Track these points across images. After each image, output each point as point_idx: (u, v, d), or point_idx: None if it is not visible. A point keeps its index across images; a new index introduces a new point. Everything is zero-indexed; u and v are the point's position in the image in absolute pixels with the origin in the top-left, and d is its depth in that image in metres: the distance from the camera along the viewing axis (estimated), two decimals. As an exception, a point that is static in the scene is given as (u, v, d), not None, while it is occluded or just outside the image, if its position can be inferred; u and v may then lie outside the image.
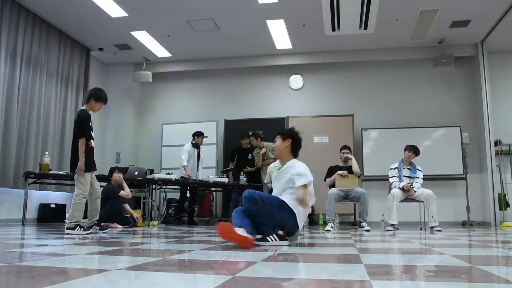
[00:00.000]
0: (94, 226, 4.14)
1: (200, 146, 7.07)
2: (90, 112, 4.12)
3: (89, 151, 3.98)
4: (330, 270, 1.85)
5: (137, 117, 9.10)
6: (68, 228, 3.89)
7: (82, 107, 4.17)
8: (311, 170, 3.19)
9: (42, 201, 6.73)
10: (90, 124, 4.05)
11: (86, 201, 4.06)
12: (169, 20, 6.94)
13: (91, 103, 4.08)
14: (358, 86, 8.37)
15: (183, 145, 6.99)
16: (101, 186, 6.13)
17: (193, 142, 6.97)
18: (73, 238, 3.42)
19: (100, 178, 6.15)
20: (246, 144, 7.16)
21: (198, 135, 7.01)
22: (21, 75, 6.38)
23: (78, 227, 3.88)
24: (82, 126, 3.98)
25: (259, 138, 6.96)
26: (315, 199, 3.29)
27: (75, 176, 3.96)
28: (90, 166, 3.98)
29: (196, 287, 1.44)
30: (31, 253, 2.36)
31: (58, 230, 4.61)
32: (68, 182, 6.72)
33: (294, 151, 3.26)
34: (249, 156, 7.17)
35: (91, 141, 4.03)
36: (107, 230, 4.23)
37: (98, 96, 4.10)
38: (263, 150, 6.92)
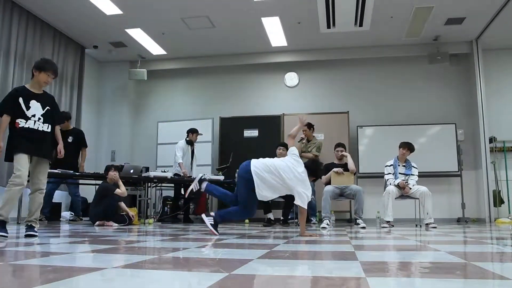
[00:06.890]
0: (27, 228, 3.36)
1: (194, 143, 7.05)
2: (48, 89, 3.58)
3: (19, 130, 3.32)
4: (325, 267, 1.86)
5: (132, 115, 9.06)
6: None
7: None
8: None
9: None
10: (20, 100, 3.35)
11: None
12: (164, 18, 6.91)
13: (35, 76, 3.44)
14: (354, 84, 8.38)
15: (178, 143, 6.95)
16: (96, 184, 6.17)
17: (187, 139, 6.96)
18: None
19: (96, 176, 6.16)
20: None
21: (193, 132, 6.99)
22: (15, 73, 6.32)
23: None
24: (2, 100, 3.47)
25: (312, 129, 6.94)
26: None
27: None
28: (20, 147, 3.30)
29: (192, 285, 1.43)
30: (25, 251, 2.35)
31: (54, 229, 4.59)
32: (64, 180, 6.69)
33: None
34: None
35: (19, 120, 3.32)
36: (35, 238, 3.19)
37: (39, 66, 3.44)
38: (303, 142, 6.84)
